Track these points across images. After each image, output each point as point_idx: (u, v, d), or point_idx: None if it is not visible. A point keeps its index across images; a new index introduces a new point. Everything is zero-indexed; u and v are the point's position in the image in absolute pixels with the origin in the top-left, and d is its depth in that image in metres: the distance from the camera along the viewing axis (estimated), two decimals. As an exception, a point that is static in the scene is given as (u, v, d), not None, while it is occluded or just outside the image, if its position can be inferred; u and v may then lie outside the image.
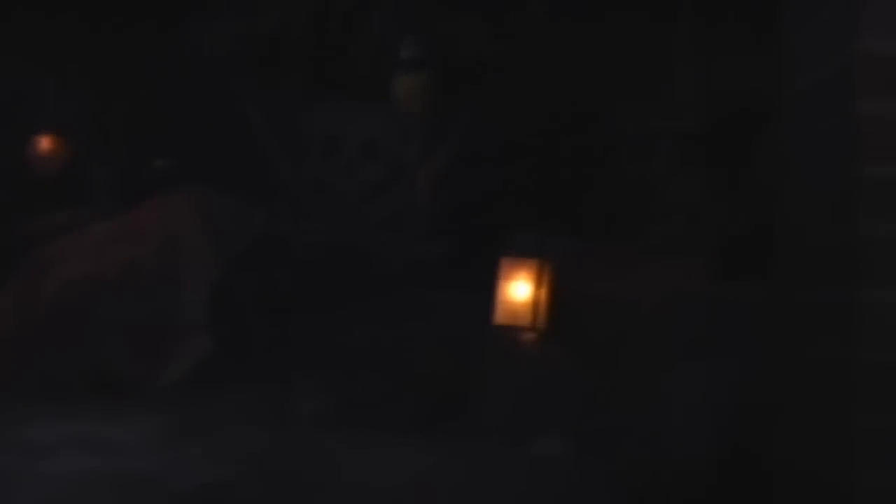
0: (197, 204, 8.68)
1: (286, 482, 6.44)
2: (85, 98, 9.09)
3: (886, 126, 4.23)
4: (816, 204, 4.52)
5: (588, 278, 7.29)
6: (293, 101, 9.37)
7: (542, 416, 6.57)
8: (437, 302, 7.96)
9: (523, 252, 6.80)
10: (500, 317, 6.77)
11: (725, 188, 8.61)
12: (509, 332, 6.79)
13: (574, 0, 9.01)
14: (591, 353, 6.63)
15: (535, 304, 6.75)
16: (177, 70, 9.22)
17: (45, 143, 8.91)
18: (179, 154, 9.12)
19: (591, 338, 6.67)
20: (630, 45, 8.83)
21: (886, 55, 4.22)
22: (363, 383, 7.05)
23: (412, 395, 6.88)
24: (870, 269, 4.17)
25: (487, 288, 7.94)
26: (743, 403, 5.80)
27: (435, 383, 6.86)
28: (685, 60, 8.75)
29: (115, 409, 7.54)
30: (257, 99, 9.38)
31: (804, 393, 4.62)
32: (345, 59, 9.17)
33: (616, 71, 8.81)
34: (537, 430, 6.52)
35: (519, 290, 6.78)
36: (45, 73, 9.06)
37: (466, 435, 6.66)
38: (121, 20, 9.17)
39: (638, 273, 7.58)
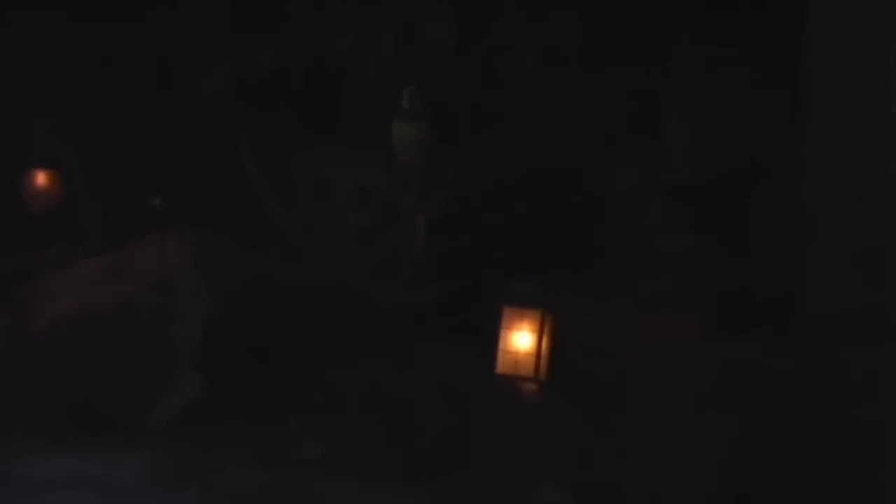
0: (191, 244, 8.69)
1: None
2: (80, 135, 9.07)
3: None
4: (845, 265, 4.60)
5: (584, 330, 7.35)
6: (286, 144, 9.40)
7: (542, 467, 6.59)
8: (430, 349, 7.98)
9: (523, 301, 6.82)
10: (501, 366, 6.81)
11: (717, 243, 8.69)
12: (510, 381, 6.81)
13: (569, 53, 9.04)
14: (591, 404, 6.66)
15: (537, 354, 6.78)
16: (172, 110, 9.22)
17: (39, 178, 8.89)
18: (172, 194, 9.10)
19: (590, 389, 6.71)
20: (624, 99, 8.91)
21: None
22: (360, 428, 7.06)
23: (410, 441, 6.88)
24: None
25: (478, 336, 8.00)
26: (748, 459, 5.85)
27: (433, 430, 6.87)
28: (678, 115, 8.84)
29: (107, 447, 7.54)
30: (250, 141, 9.40)
31: (828, 451, 4.68)
32: (338, 105, 9.20)
33: (610, 124, 8.88)
34: (537, 481, 6.53)
35: (521, 339, 6.81)
36: (40, 110, 9.02)
37: (465, 483, 6.67)
38: (118, 59, 9.16)
39: (633, 325, 7.64)
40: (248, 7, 9.11)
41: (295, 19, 9.01)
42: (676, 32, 8.86)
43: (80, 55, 9.09)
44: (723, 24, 8.70)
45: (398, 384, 7.29)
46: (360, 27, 8.89)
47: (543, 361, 6.81)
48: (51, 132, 8.89)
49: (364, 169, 9.46)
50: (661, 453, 6.06)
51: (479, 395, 6.83)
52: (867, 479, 4.31)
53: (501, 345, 6.83)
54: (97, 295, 8.70)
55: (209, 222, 9.01)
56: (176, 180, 9.32)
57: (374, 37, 8.96)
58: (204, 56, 9.24)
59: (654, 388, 6.64)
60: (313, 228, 9.42)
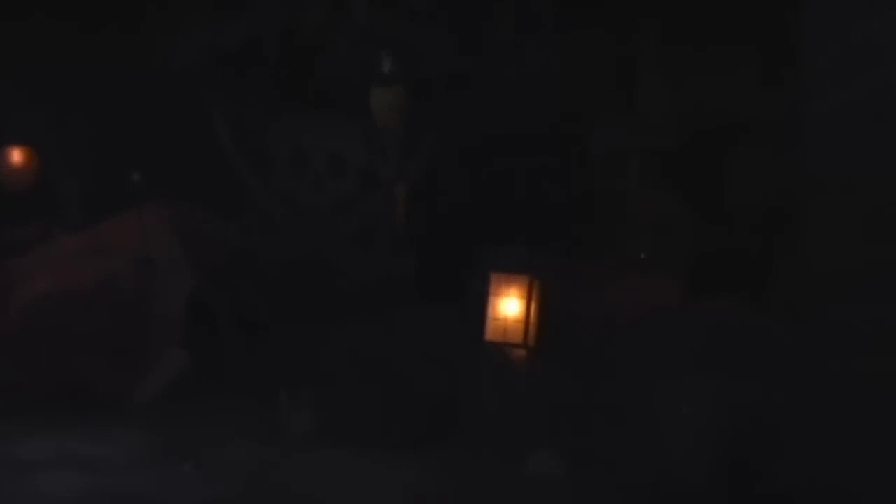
0: (170, 218, 8.65)
1: (282, 499, 6.45)
2: (53, 109, 8.99)
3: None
4: (846, 224, 4.61)
5: (569, 295, 7.36)
6: (261, 115, 9.35)
7: (535, 433, 6.61)
8: (412, 317, 7.98)
9: (510, 267, 6.83)
10: (491, 333, 6.82)
11: (695, 205, 8.72)
12: (500, 348, 6.82)
13: (542, 17, 9.02)
14: (579, 370, 6.69)
15: (526, 320, 6.80)
16: (146, 83, 9.16)
17: (14, 155, 8.81)
18: (149, 168, 9.05)
19: (578, 355, 6.74)
20: (599, 62, 8.91)
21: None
22: (350, 399, 7.05)
23: (401, 411, 6.89)
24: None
25: (459, 303, 8.01)
26: (744, 421, 5.89)
27: (424, 399, 6.88)
28: (653, 77, 8.85)
29: (95, 426, 7.52)
30: (224, 112, 9.35)
31: (826, 409, 4.71)
32: (313, 73, 9.15)
33: (585, 87, 8.88)
34: (530, 448, 6.56)
35: (509, 306, 6.82)
36: (13, 84, 8.95)
37: (460, 451, 6.68)
38: (89, 29, 9.08)
39: (616, 289, 7.67)
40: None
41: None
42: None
43: (54, 31, 8.97)
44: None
45: (384, 353, 7.27)
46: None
47: (532, 328, 6.82)
48: (25, 108, 8.76)
49: (340, 138, 9.41)
50: (655, 417, 6.07)
51: (468, 363, 6.81)
52: (865, 436, 4.34)
53: (490, 311, 6.84)
54: (77, 272, 8.65)
55: (186, 195, 8.94)
56: (152, 154, 9.25)
57: (347, 3, 8.84)
58: (176, 26, 9.11)
59: (642, 352, 6.64)
60: (290, 199, 9.35)
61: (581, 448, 6.49)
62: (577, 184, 8.88)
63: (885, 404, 4.77)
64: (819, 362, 6.17)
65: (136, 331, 8.44)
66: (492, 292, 6.84)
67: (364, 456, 6.71)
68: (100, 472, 6.75)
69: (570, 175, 8.90)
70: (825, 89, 4.92)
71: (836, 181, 5.06)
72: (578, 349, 6.75)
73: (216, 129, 9.39)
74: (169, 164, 9.24)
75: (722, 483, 5.84)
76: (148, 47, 9.31)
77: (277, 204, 9.38)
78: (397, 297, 8.69)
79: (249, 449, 6.91)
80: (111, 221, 8.88)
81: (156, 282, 8.52)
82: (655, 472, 6.02)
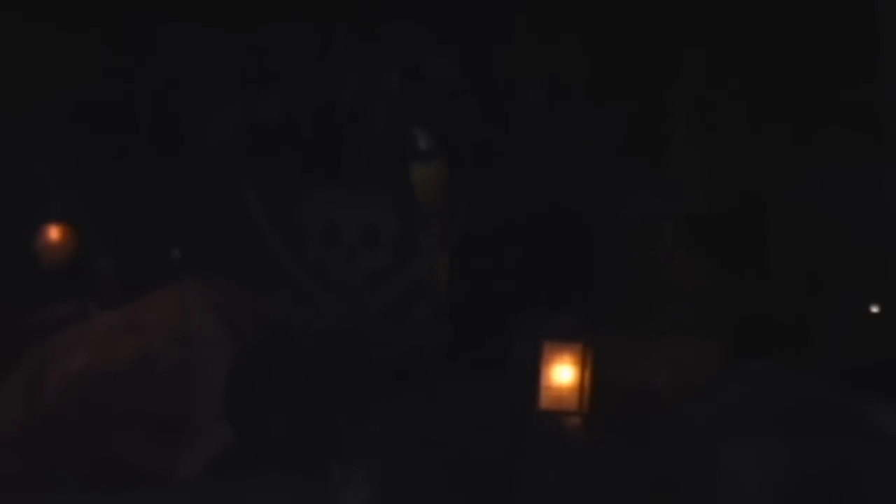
0: (208, 293, 8.63)
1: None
2: (89, 187, 9.02)
3: None
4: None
5: (616, 362, 7.38)
6: (293, 189, 9.38)
7: (595, 502, 6.59)
8: (454, 388, 7.97)
9: (563, 336, 6.85)
10: (545, 401, 6.81)
11: (729, 270, 8.75)
12: (554, 416, 6.82)
13: (571, 87, 9.09)
14: (634, 437, 6.68)
15: (580, 388, 6.80)
16: (180, 160, 9.20)
17: (51, 232, 8.82)
18: (181, 243, 9.07)
19: (631, 422, 6.73)
20: (630, 129, 8.96)
21: None
22: (405, 472, 7.02)
23: (459, 482, 6.86)
24: None
25: (496, 372, 8.01)
26: (808, 485, 5.89)
27: (481, 470, 6.86)
28: (685, 142, 8.91)
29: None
30: (256, 188, 9.38)
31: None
32: (345, 147, 9.20)
33: (617, 155, 8.93)
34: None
35: (563, 374, 6.83)
36: (47, 161, 8.98)
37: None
38: (122, 102, 9.12)
39: (660, 356, 7.68)
40: (253, 53, 9.05)
41: (301, 63, 8.97)
42: (680, 59, 8.89)
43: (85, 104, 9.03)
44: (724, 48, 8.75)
45: (430, 424, 7.24)
46: (367, 69, 8.85)
47: (585, 395, 6.80)
48: (60, 184, 8.78)
49: (373, 210, 9.43)
50: (720, 484, 6.07)
51: (521, 432, 6.79)
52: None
53: (543, 380, 6.84)
54: (112, 350, 8.62)
55: (219, 271, 8.94)
56: (186, 229, 9.27)
57: (380, 78, 8.91)
58: (210, 103, 9.16)
59: (698, 419, 6.64)
60: (322, 272, 9.36)
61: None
62: (611, 251, 8.84)
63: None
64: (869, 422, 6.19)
65: (175, 406, 8.39)
66: (545, 361, 6.81)
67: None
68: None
69: (604, 243, 8.88)
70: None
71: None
72: (630, 417, 6.72)
73: (248, 204, 9.37)
74: (202, 240, 9.24)
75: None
76: (182, 122, 9.30)
77: (310, 277, 9.35)
78: (435, 367, 8.66)
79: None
80: (147, 298, 8.86)
81: (194, 357, 8.47)
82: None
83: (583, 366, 6.87)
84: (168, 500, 7.69)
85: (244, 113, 9.30)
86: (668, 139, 8.98)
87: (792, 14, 8.51)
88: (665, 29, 8.85)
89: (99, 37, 9.19)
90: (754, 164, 8.61)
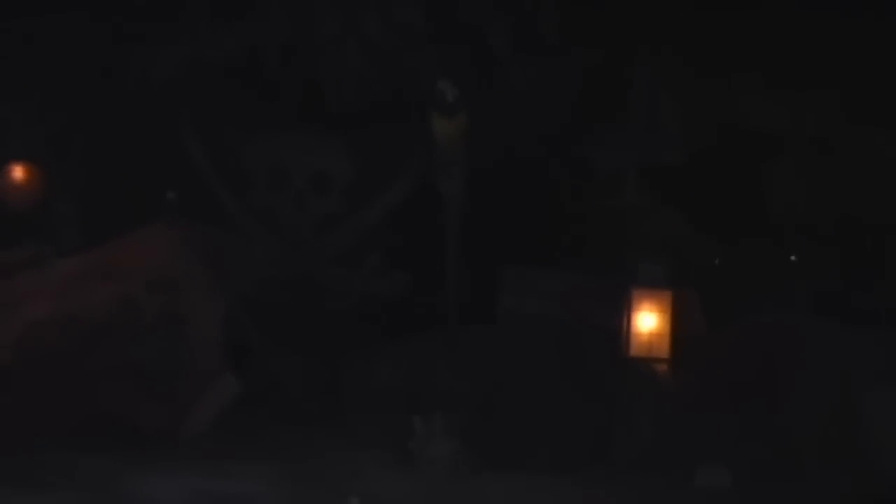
0: (191, 237, 8.22)
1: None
2: (49, 128, 8.40)
3: None
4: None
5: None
6: (240, 131, 9.03)
7: (696, 448, 6.69)
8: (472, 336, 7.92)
9: (651, 283, 6.91)
10: (635, 348, 6.85)
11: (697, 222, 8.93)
12: (644, 364, 6.88)
13: (540, 36, 9.08)
14: (722, 384, 6.82)
15: (670, 335, 6.88)
16: (125, 96, 8.69)
17: (15, 172, 8.18)
18: (126, 185, 8.60)
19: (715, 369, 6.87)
20: (605, 79, 9.02)
21: None
22: (479, 423, 6.93)
23: (548, 433, 6.83)
24: None
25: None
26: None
27: (577, 419, 6.85)
28: (648, 94, 9.03)
29: (166, 462, 6.99)
30: (201, 129, 8.97)
31: None
32: (302, 91, 8.92)
33: (590, 104, 8.98)
34: (694, 462, 6.63)
35: (648, 321, 6.88)
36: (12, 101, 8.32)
37: (622, 472, 6.68)
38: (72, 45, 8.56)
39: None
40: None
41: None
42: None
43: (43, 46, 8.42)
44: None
45: (484, 372, 7.17)
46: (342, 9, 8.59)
47: (671, 342, 6.89)
48: (24, 122, 8.15)
49: (324, 156, 9.18)
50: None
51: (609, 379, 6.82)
52: None
53: (632, 328, 6.85)
54: (82, 297, 8.08)
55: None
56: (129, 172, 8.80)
57: (356, 20, 8.66)
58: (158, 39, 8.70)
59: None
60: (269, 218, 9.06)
61: (751, 459, 6.57)
62: (577, 201, 8.90)
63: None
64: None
65: (165, 357, 7.95)
66: (634, 308, 6.85)
67: (522, 483, 6.58)
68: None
69: (573, 193, 8.93)
70: None
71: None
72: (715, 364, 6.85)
73: (190, 146, 8.97)
74: (150, 182, 8.79)
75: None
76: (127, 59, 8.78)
77: (256, 222, 9.03)
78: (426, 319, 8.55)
79: (397, 481, 6.63)
80: (121, 242, 8.35)
81: (183, 305, 8.05)
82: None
83: (671, 314, 6.88)
84: (176, 457, 7.19)
85: (191, 51, 8.80)
86: (632, 90, 9.00)
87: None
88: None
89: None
90: (721, 115, 8.73)
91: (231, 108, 9.05)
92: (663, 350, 6.92)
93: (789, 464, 6.47)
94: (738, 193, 8.76)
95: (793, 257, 8.52)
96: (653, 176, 9.05)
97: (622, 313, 7.26)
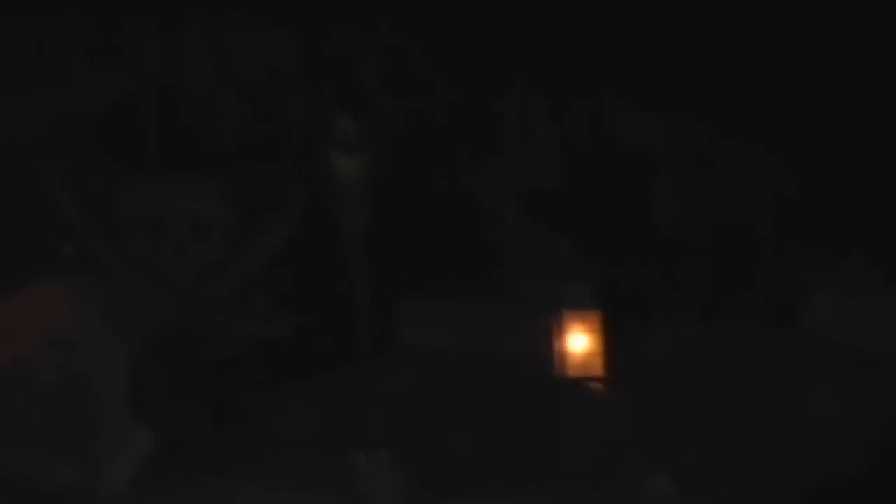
0: (86, 293, 8.03)
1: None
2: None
3: None
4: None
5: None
6: (111, 180, 8.88)
7: (637, 460, 6.84)
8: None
9: (579, 304, 7.04)
10: (571, 369, 6.97)
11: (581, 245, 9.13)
12: (579, 383, 7.01)
13: (410, 68, 9.19)
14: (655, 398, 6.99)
15: (603, 354, 7.02)
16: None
17: None
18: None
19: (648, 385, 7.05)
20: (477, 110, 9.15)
21: None
22: (416, 455, 6.96)
23: (487, 458, 6.89)
24: None
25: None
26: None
27: (505, 443, 6.93)
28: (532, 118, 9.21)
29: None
30: (70, 180, 8.79)
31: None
32: (170, 136, 8.83)
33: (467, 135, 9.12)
34: (640, 474, 6.79)
35: (584, 341, 7.02)
36: None
37: (569, 489, 6.79)
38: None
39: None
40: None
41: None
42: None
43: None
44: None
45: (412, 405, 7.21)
46: (217, 51, 8.54)
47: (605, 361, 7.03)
48: None
49: (200, 202, 9.08)
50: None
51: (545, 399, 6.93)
52: None
53: (563, 348, 6.98)
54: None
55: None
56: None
57: (230, 60, 8.63)
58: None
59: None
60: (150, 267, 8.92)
61: (693, 468, 6.75)
62: (465, 230, 9.00)
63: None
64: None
65: (71, 417, 7.75)
66: (564, 329, 6.97)
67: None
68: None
69: (457, 221, 9.03)
70: None
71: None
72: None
73: (57, 199, 8.77)
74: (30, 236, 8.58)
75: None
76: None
77: (135, 273, 8.88)
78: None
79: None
80: (9, 301, 8.08)
81: (86, 363, 7.86)
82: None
83: (601, 333, 7.03)
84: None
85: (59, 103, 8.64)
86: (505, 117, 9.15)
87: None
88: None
89: None
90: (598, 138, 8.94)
91: (101, 156, 8.81)
92: (598, 368, 6.99)
93: (730, 468, 6.51)
94: (620, 214, 8.86)
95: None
96: (534, 202, 9.10)
97: (540, 337, 7.30)
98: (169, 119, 8.71)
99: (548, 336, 7.52)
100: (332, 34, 9.01)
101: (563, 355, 6.97)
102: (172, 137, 8.81)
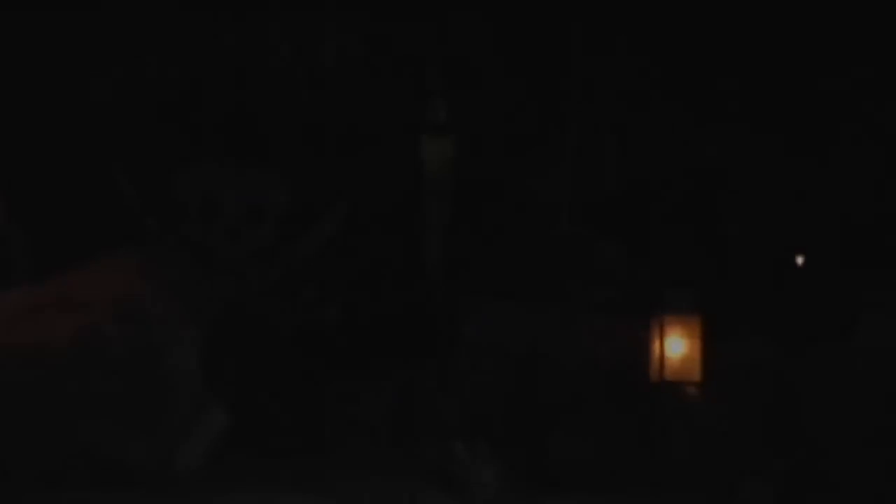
0: (156, 267, 7.92)
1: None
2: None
3: None
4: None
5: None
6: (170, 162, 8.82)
7: (734, 465, 6.89)
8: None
9: (680, 308, 7.08)
10: (668, 373, 7.00)
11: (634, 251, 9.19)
12: (675, 387, 7.04)
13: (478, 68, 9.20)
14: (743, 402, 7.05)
15: (699, 359, 7.06)
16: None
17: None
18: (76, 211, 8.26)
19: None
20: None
21: None
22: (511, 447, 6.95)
23: (586, 455, 6.90)
24: None
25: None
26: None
27: (602, 442, 6.94)
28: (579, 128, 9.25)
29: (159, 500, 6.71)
30: (130, 159, 8.72)
31: None
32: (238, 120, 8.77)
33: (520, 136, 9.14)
34: (735, 479, 6.83)
35: (679, 346, 7.05)
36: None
37: (665, 490, 6.81)
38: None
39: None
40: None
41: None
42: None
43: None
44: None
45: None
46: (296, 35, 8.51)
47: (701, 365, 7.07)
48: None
49: (256, 186, 9.02)
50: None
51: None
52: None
53: (663, 351, 7.01)
54: (42, 329, 7.68)
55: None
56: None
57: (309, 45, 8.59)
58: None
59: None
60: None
61: (790, 474, 6.80)
62: (522, 232, 9.01)
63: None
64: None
65: (143, 391, 7.63)
66: (664, 332, 7.00)
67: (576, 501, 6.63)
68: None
69: (516, 223, 9.04)
70: None
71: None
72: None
73: (116, 178, 8.69)
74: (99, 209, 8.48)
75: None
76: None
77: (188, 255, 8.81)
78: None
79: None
80: (77, 273, 7.96)
81: (155, 338, 7.76)
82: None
83: (699, 337, 7.06)
84: (170, 494, 6.93)
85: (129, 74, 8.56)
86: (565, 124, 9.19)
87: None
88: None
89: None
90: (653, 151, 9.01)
91: (162, 137, 8.71)
92: (695, 373, 7.00)
93: (824, 474, 6.56)
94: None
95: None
96: (593, 207, 9.13)
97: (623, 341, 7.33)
98: (238, 104, 8.53)
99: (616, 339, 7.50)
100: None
101: (660, 359, 6.91)
102: (238, 123, 8.61)
